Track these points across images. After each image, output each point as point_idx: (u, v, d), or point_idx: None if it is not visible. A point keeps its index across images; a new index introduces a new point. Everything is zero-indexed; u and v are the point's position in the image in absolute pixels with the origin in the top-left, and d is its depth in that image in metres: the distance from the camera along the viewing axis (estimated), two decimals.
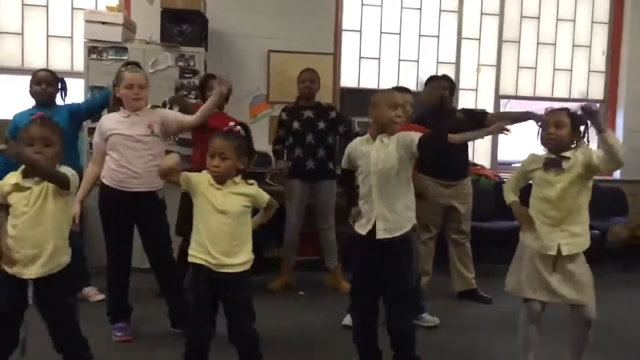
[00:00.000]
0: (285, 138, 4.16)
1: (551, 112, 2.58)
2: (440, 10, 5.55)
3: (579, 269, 2.51)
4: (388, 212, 2.44)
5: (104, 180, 3.06)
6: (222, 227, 2.27)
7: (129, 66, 3.11)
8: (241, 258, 2.30)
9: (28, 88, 3.65)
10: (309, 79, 4.13)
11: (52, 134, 2.19)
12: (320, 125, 4.08)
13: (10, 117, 3.64)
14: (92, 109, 3.72)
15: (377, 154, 2.47)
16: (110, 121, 3.08)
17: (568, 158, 2.51)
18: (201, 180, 2.31)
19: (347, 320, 3.18)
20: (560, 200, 2.49)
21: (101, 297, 3.61)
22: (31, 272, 2.15)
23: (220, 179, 2.29)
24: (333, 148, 4.19)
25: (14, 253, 2.13)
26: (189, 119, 3.17)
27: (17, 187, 2.17)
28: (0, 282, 2.18)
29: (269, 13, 5.05)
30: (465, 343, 3.23)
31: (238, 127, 2.36)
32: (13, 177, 2.20)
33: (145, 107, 3.10)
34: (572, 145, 2.53)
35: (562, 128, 2.51)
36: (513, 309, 2.74)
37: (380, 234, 2.44)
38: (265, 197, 2.40)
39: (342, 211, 4.00)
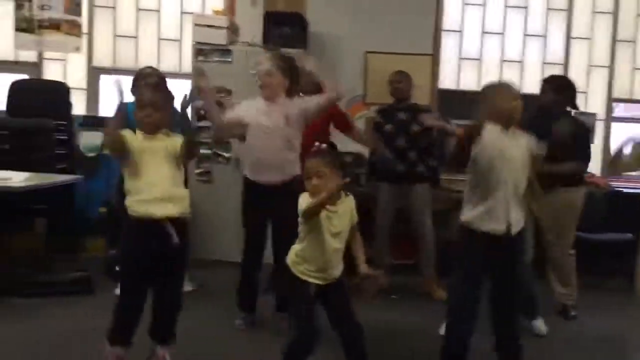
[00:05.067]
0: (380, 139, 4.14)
1: None
2: (548, 9, 5.29)
3: None
4: (518, 208, 2.46)
5: (245, 173, 3.21)
6: (337, 247, 2.32)
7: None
8: (341, 267, 2.38)
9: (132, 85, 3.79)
10: (396, 80, 4.10)
11: (161, 100, 2.46)
12: (414, 127, 4.02)
13: None
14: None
15: (512, 149, 2.45)
16: (250, 107, 3.19)
17: None
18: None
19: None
20: None
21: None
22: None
23: (332, 199, 2.25)
24: (427, 151, 4.10)
25: None
26: (323, 99, 3.19)
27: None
28: None
29: (368, 14, 5.05)
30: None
31: (323, 146, 2.37)
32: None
33: (282, 96, 3.13)
34: None
35: None
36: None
37: (514, 230, 2.45)
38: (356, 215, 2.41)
39: (440, 215, 3.91)
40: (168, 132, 2.51)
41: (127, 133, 2.45)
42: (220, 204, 4.47)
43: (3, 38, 5.14)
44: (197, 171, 4.60)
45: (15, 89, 4.66)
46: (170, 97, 2.54)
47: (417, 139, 4.02)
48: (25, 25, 5.02)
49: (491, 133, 2.42)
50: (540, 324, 3.37)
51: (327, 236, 2.27)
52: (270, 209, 3.10)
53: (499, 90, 2.52)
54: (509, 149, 2.45)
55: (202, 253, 4.53)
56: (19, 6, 5.02)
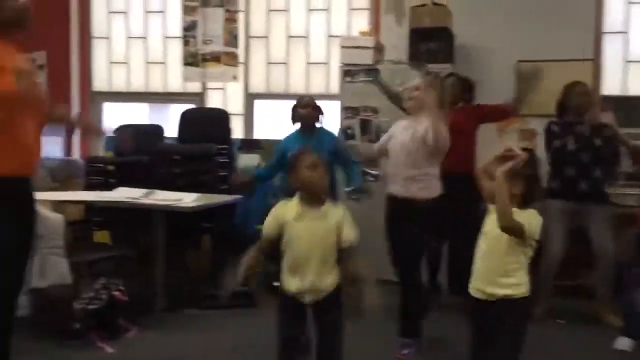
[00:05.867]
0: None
1: None
2: None
3: None
4: None
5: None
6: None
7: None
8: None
9: (292, 113, 4.04)
10: (584, 92, 3.79)
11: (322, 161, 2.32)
12: (597, 142, 3.69)
13: (277, 138, 4.13)
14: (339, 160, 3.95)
15: None
16: (397, 126, 3.29)
17: None
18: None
19: (624, 344, 3.01)
20: None
21: None
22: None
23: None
24: (611, 168, 3.81)
25: None
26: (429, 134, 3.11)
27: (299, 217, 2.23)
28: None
29: (519, 22, 4.82)
30: None
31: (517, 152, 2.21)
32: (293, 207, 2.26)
33: (425, 111, 3.11)
34: None
35: None
36: None
37: None
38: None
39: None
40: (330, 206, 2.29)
41: (270, 222, 2.26)
42: (372, 222, 4.51)
43: (174, 73, 5.73)
44: (347, 189, 4.70)
45: (184, 118, 5.14)
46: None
47: (602, 155, 3.71)
48: (191, 60, 5.56)
49: None
50: None
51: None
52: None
53: None
54: None
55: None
56: (186, 43, 5.57)
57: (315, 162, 2.25)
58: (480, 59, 4.90)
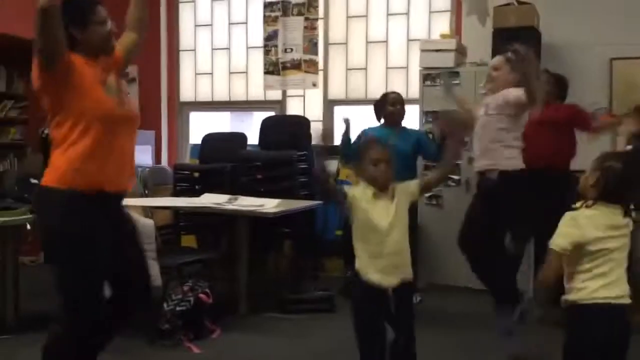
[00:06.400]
0: None
1: None
2: None
3: None
4: None
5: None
6: None
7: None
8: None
9: (376, 110, 4.00)
10: None
11: (389, 154, 2.33)
12: None
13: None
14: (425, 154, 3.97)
15: None
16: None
17: None
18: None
19: None
20: None
21: None
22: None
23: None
24: None
25: None
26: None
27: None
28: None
29: (611, 18, 4.55)
30: None
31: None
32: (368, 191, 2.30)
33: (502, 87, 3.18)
34: None
35: None
36: None
37: None
38: None
39: None
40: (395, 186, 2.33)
41: (354, 191, 2.31)
42: (451, 228, 4.41)
43: (256, 81, 5.88)
44: (427, 194, 4.62)
45: (265, 125, 5.27)
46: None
47: None
48: (272, 68, 5.68)
49: None
50: None
51: None
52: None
53: None
54: None
55: (433, 277, 4.53)
56: (267, 52, 5.71)
57: (379, 157, 2.26)
58: (569, 57, 4.66)
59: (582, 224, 2.00)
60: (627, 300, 2.01)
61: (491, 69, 3.20)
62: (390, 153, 2.31)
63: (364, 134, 3.90)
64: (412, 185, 2.38)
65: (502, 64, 3.15)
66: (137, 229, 2.50)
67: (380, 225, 2.24)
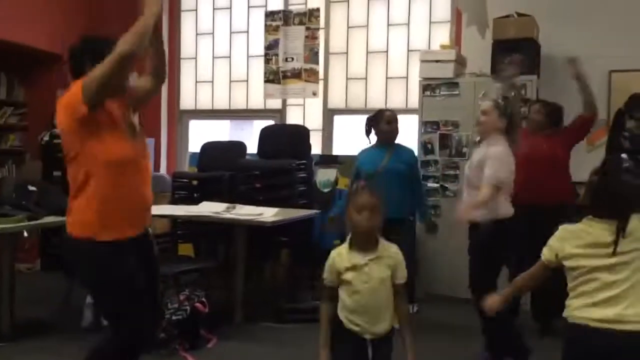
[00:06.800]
0: None
1: None
2: None
3: None
4: None
5: None
6: None
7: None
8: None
9: (369, 126, 3.88)
10: None
11: (378, 201, 2.19)
12: None
13: (356, 153, 4.07)
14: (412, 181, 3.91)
15: None
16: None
17: None
18: None
19: None
20: None
21: None
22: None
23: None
24: None
25: None
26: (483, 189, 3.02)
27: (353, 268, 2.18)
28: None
29: (610, 30, 4.57)
30: None
31: None
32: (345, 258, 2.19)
33: (494, 136, 3.08)
34: None
35: None
36: None
37: None
38: None
39: None
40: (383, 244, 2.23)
41: (331, 270, 2.21)
42: (449, 238, 4.41)
43: (256, 90, 5.89)
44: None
45: (264, 134, 5.27)
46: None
47: None
48: (272, 77, 5.70)
49: None
50: None
51: None
52: None
53: None
54: None
55: (430, 288, 4.52)
56: (267, 61, 5.73)
57: (364, 203, 2.16)
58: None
59: (564, 237, 1.96)
60: (622, 327, 1.83)
61: (480, 113, 3.17)
62: (379, 201, 2.19)
63: (359, 162, 3.86)
64: (399, 262, 2.22)
65: (491, 110, 3.09)
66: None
67: (361, 287, 2.16)
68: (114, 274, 2.22)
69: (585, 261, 1.90)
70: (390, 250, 2.22)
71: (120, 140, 2.20)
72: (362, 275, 2.16)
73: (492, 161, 2.97)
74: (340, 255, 2.21)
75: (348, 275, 2.17)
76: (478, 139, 3.36)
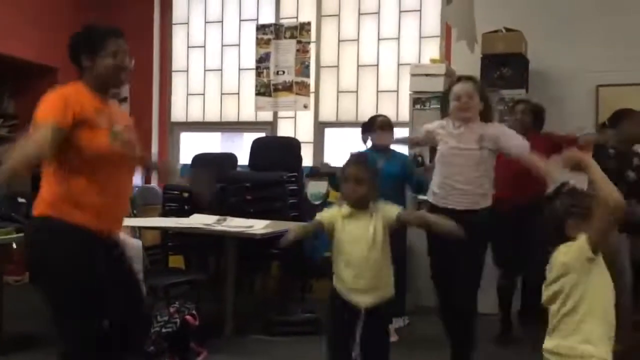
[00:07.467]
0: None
1: None
2: None
3: None
4: None
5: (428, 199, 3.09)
6: None
7: (460, 79, 3.05)
8: None
9: (364, 132, 3.98)
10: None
11: (364, 173, 2.25)
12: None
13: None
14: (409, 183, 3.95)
15: None
16: (441, 129, 3.03)
17: None
18: None
19: None
20: None
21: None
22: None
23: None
24: None
25: None
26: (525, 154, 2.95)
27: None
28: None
29: (597, 46, 4.65)
30: None
31: None
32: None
33: (476, 119, 2.95)
34: None
35: None
36: None
37: None
38: None
39: None
40: (377, 206, 2.28)
41: (328, 214, 2.32)
42: None
43: (247, 102, 5.92)
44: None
45: (255, 146, 5.28)
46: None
47: None
48: (263, 90, 5.74)
49: None
50: None
51: None
52: None
53: None
54: None
55: (420, 300, 4.52)
56: (258, 74, 5.76)
57: (352, 173, 2.25)
58: (556, 84, 4.76)
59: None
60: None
61: (465, 96, 2.90)
62: (370, 172, 2.27)
63: None
64: (393, 211, 2.28)
65: (474, 92, 2.92)
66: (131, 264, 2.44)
67: (357, 244, 2.21)
68: (74, 261, 2.06)
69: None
70: (383, 208, 2.28)
71: (99, 136, 2.12)
72: (360, 231, 2.22)
73: (510, 133, 2.99)
74: (337, 211, 2.30)
75: (342, 226, 2.24)
76: (457, 124, 2.99)
